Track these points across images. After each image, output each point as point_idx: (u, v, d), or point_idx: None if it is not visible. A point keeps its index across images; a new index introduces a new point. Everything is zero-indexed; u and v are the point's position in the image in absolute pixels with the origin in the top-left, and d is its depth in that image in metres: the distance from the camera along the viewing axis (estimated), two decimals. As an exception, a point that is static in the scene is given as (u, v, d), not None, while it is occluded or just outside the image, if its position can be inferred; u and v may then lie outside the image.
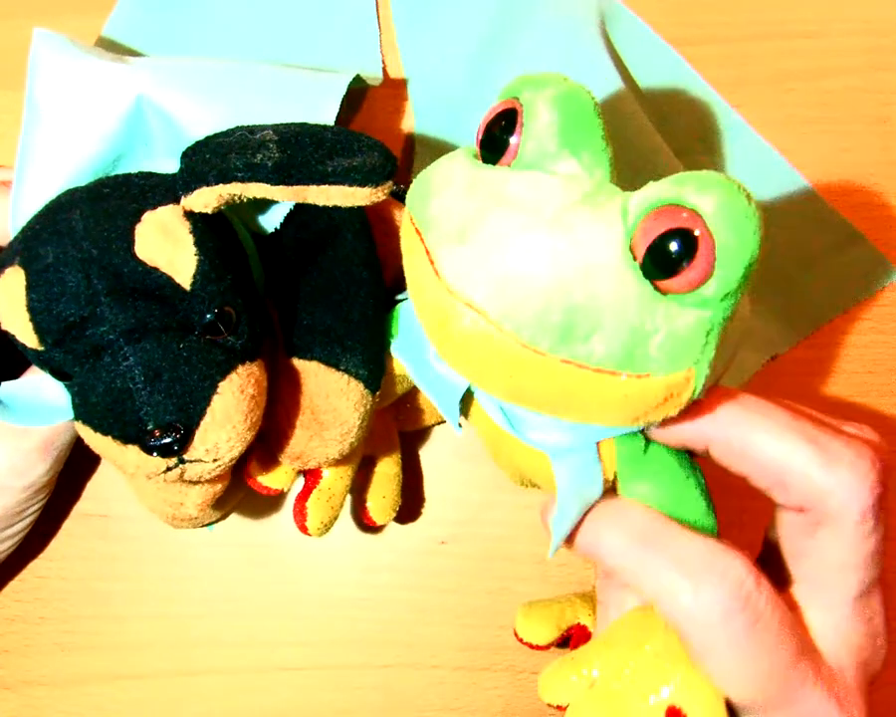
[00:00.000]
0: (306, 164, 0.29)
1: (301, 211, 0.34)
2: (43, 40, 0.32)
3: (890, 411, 0.45)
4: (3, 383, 0.35)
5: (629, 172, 0.29)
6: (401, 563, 0.46)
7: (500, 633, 0.45)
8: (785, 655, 0.27)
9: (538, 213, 0.25)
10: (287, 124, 0.31)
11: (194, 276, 0.29)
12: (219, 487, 0.34)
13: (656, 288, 0.24)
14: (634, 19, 0.46)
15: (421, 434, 0.46)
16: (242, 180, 0.29)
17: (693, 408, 0.27)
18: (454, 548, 0.46)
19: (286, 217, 0.34)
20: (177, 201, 0.30)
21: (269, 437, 0.34)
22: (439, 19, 0.46)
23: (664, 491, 0.30)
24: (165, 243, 0.29)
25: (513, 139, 0.27)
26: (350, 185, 0.30)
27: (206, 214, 0.30)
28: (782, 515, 0.30)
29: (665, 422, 0.28)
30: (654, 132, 0.43)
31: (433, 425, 0.45)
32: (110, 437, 0.29)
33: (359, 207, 0.31)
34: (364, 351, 0.34)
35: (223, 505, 0.37)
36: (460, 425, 0.32)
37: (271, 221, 0.34)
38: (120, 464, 0.30)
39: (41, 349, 0.29)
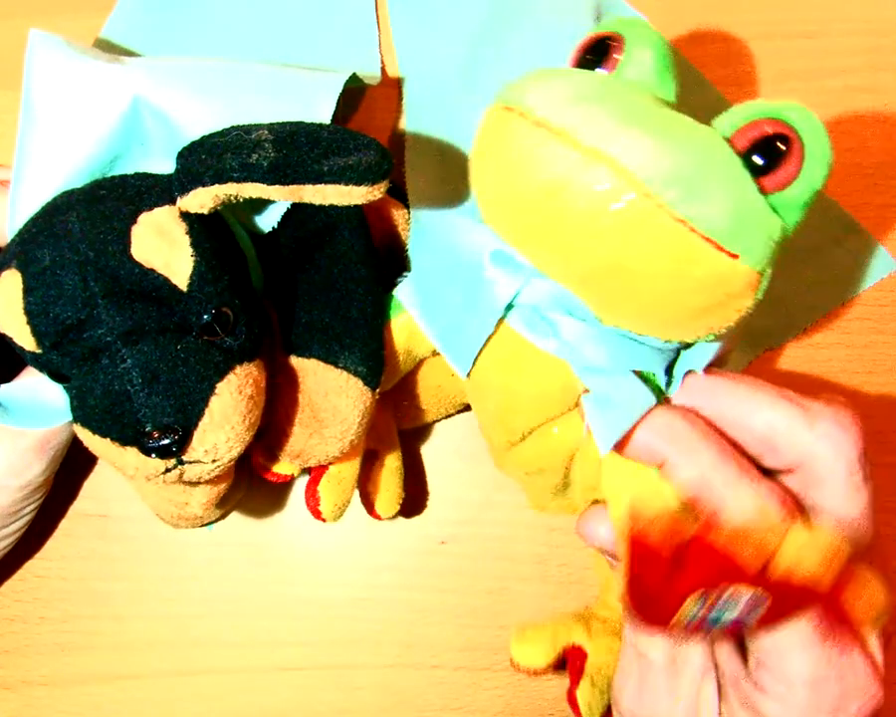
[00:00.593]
0: (301, 164, 0.29)
1: (298, 210, 0.34)
2: (39, 41, 0.32)
3: (890, 411, 0.45)
4: (1, 385, 0.35)
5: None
6: (401, 563, 0.46)
7: (500, 633, 0.45)
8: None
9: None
10: (282, 124, 0.31)
11: (191, 277, 0.29)
12: (223, 486, 0.34)
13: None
14: (633, 13, 0.46)
15: (421, 433, 0.46)
16: (238, 180, 0.29)
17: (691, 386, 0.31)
18: (454, 548, 0.46)
19: (283, 216, 0.34)
20: (173, 202, 0.30)
21: (269, 436, 0.34)
22: (435, 19, 0.45)
23: None
24: (162, 244, 0.29)
25: (615, 56, 0.30)
26: (346, 184, 0.29)
27: (202, 215, 0.30)
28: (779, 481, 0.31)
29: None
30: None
31: (432, 423, 0.45)
32: (108, 439, 0.29)
33: (357, 205, 0.31)
34: (363, 348, 0.34)
35: (224, 504, 0.37)
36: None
37: (268, 221, 0.34)
38: (120, 466, 0.30)
39: (38, 351, 0.29)
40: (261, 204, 0.33)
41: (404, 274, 0.36)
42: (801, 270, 0.45)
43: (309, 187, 0.30)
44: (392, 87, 0.45)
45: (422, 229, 0.37)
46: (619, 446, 0.30)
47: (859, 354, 0.45)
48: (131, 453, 0.29)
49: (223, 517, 0.38)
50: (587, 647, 0.40)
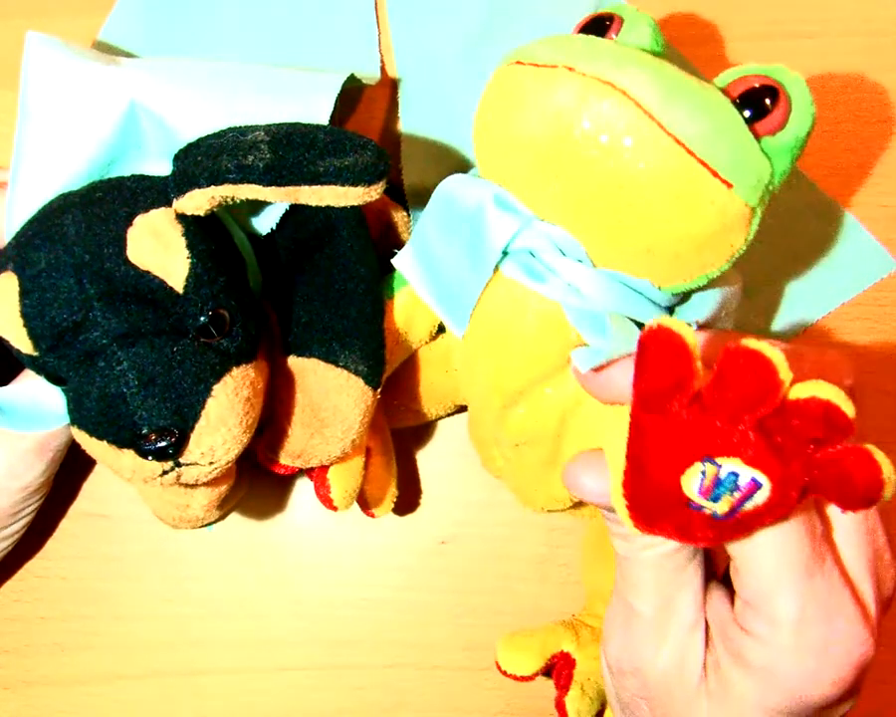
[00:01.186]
0: (297, 165, 0.29)
1: (296, 211, 0.33)
2: (36, 43, 0.32)
3: (890, 411, 0.45)
4: (1, 389, 0.35)
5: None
6: (401, 563, 0.46)
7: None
8: (815, 522, 0.27)
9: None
10: (278, 125, 0.31)
11: (187, 279, 0.29)
12: (224, 487, 0.34)
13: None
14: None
15: (422, 434, 0.46)
16: (234, 182, 0.29)
17: None
18: (454, 548, 0.46)
19: (282, 217, 0.34)
20: (169, 204, 0.30)
21: (269, 436, 0.34)
22: (434, 19, 0.45)
23: None
24: (157, 246, 0.29)
25: (612, 36, 0.32)
26: (343, 185, 0.29)
27: (199, 217, 0.30)
28: None
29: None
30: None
31: (432, 424, 0.45)
32: (105, 442, 0.29)
33: (355, 205, 0.31)
34: (363, 346, 0.34)
35: (224, 505, 0.37)
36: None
37: (266, 222, 0.34)
38: (116, 469, 0.30)
39: (35, 354, 0.29)
40: (259, 206, 0.33)
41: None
42: (801, 270, 0.45)
43: (305, 188, 0.30)
44: (392, 87, 0.45)
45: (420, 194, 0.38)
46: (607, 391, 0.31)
47: (859, 354, 0.45)
48: (128, 456, 0.29)
49: (223, 517, 0.38)
50: (576, 655, 0.41)
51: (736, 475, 0.25)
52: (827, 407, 0.23)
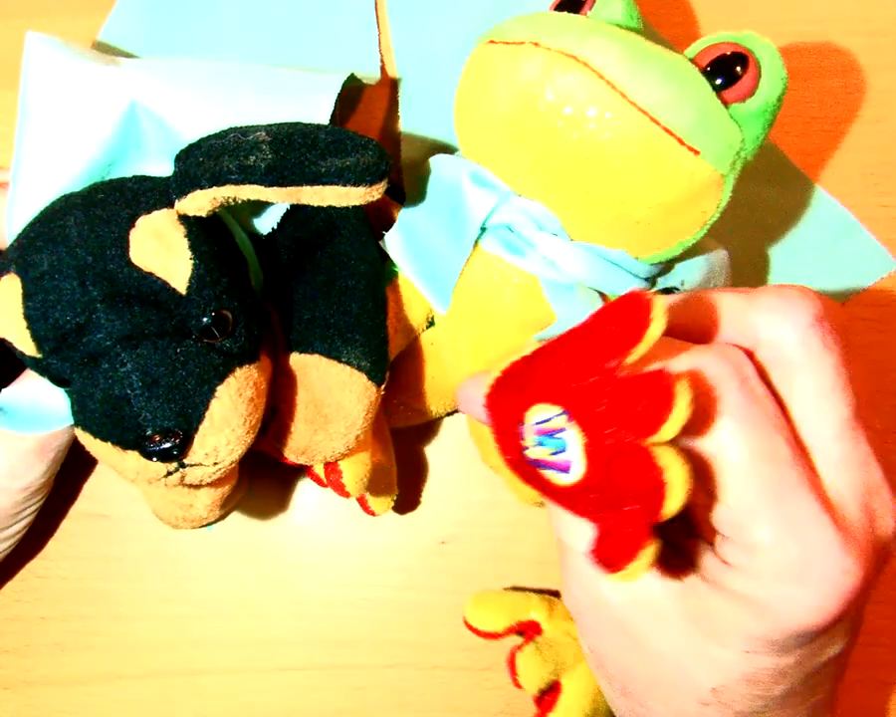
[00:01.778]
0: (299, 165, 0.29)
1: (297, 210, 0.34)
2: (36, 43, 0.32)
3: (890, 411, 0.45)
4: (3, 390, 0.35)
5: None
6: (401, 563, 0.46)
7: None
8: (783, 449, 0.26)
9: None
10: (280, 125, 0.31)
11: (189, 280, 0.29)
12: (227, 487, 0.34)
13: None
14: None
15: (423, 433, 0.46)
16: (235, 183, 0.29)
17: None
18: (454, 548, 0.46)
19: (283, 217, 0.34)
20: (171, 205, 0.30)
21: (273, 434, 0.34)
22: (434, 19, 0.45)
23: None
24: (160, 248, 0.29)
25: (587, 11, 0.33)
26: (344, 185, 0.30)
27: (201, 217, 0.30)
28: None
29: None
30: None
31: (432, 424, 0.45)
32: (109, 443, 0.29)
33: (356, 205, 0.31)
34: (366, 342, 0.34)
35: (226, 505, 0.37)
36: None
37: (268, 222, 0.34)
38: (121, 470, 0.30)
39: (39, 356, 0.29)
40: (260, 206, 0.33)
41: None
42: (801, 270, 0.45)
43: (307, 189, 0.30)
44: (392, 86, 0.45)
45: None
46: None
47: (859, 353, 0.45)
48: (132, 457, 0.29)
49: (223, 517, 0.38)
50: (544, 625, 0.41)
51: (564, 449, 0.25)
52: (649, 394, 0.23)
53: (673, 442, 0.23)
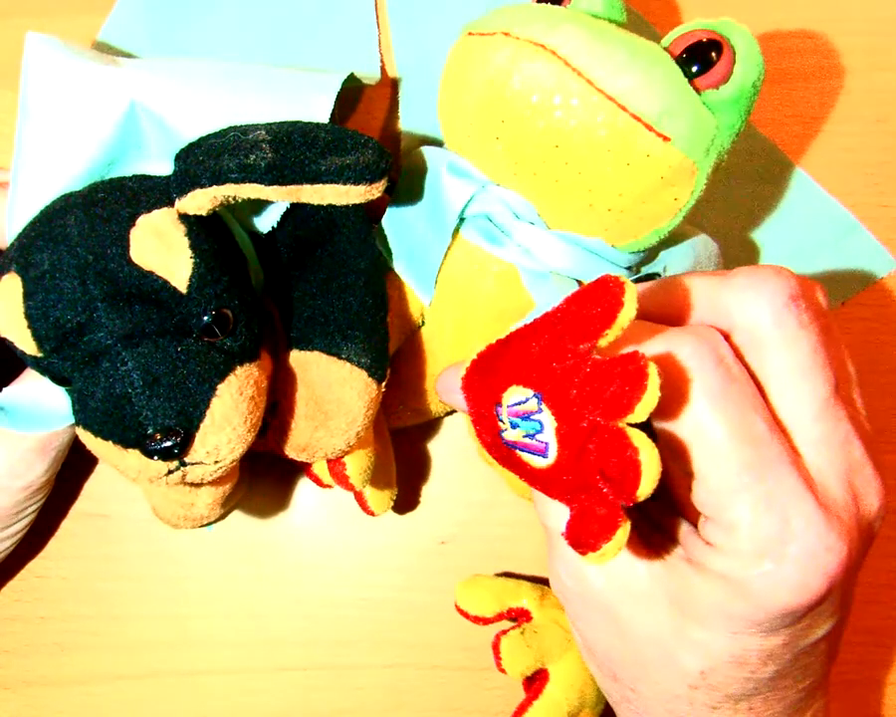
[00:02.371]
0: (299, 164, 0.29)
1: (297, 208, 0.34)
2: (36, 43, 0.32)
3: (890, 412, 0.45)
4: (4, 390, 0.35)
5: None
6: (401, 563, 0.46)
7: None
8: (761, 427, 0.26)
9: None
10: (279, 124, 0.31)
11: (190, 279, 0.29)
12: (228, 486, 0.34)
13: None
14: (637, 15, 0.46)
15: (423, 433, 0.46)
16: (235, 182, 0.29)
17: None
18: (454, 548, 0.46)
19: (283, 215, 0.34)
20: (171, 204, 0.30)
21: (273, 431, 0.34)
22: (434, 19, 0.45)
23: None
24: (160, 247, 0.29)
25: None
26: (344, 184, 0.30)
27: (201, 216, 0.30)
28: None
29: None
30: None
31: (433, 424, 0.45)
32: (110, 442, 0.29)
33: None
34: (366, 339, 0.34)
35: (226, 504, 0.37)
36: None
37: (268, 220, 0.34)
38: (122, 469, 0.30)
39: (39, 355, 0.29)
40: (260, 204, 0.34)
41: None
42: (801, 270, 0.45)
43: (307, 187, 0.30)
44: (392, 86, 0.45)
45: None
46: None
47: (859, 353, 0.45)
48: (133, 456, 0.29)
49: (224, 516, 0.38)
50: (534, 613, 0.41)
51: (540, 430, 0.25)
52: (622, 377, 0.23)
53: (650, 424, 0.23)
